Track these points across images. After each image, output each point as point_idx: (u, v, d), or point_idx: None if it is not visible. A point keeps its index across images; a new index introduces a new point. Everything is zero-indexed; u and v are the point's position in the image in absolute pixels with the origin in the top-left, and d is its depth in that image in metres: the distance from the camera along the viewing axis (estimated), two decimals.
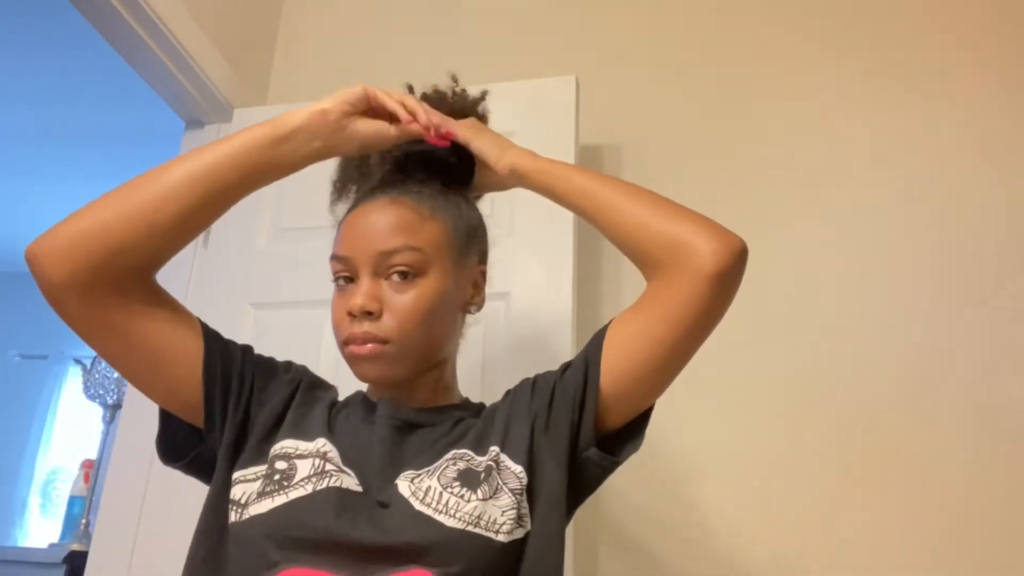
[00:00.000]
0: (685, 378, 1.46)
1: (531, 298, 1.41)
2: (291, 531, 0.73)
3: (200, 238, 1.65)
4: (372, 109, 0.88)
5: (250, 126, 0.84)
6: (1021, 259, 1.48)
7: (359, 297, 0.83)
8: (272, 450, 0.81)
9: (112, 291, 0.77)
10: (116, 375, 2.93)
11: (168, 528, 1.44)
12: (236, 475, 0.80)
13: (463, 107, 1.01)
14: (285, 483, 0.76)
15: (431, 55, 1.89)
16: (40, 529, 3.80)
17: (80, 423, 3.76)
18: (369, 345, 0.82)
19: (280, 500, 0.75)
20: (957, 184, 1.56)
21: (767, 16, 1.78)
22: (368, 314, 0.82)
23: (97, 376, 2.95)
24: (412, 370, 0.86)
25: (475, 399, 0.96)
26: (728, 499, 1.44)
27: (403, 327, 0.83)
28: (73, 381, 3.98)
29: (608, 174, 0.92)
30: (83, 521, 2.71)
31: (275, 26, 2.05)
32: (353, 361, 0.85)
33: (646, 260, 0.83)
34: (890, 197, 1.58)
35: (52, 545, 2.75)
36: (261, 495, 0.76)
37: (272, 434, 0.84)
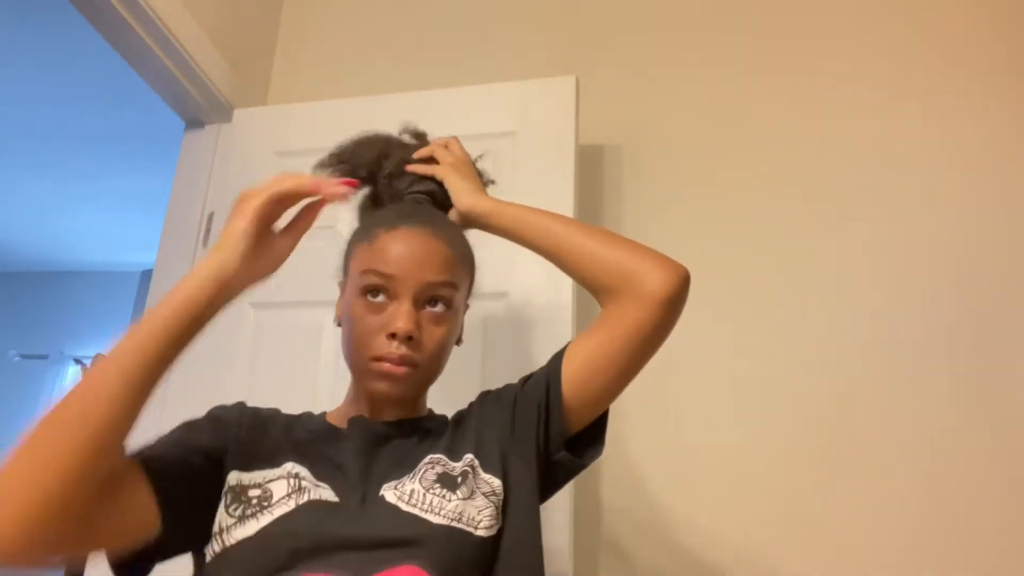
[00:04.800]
0: (688, 379, 1.45)
1: (531, 298, 1.41)
2: (284, 545, 0.75)
3: (200, 238, 1.66)
4: (280, 203, 0.81)
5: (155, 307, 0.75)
6: (1019, 259, 1.49)
7: (405, 321, 0.86)
8: (231, 482, 0.81)
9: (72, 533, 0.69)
10: None
11: None
12: (219, 514, 0.80)
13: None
14: (265, 504, 0.79)
15: (431, 55, 1.90)
16: None
17: None
18: (404, 368, 0.87)
19: (265, 519, 0.77)
20: (958, 184, 1.56)
21: (768, 16, 1.79)
22: (409, 339, 0.87)
23: None
24: (418, 392, 0.93)
25: (474, 398, 0.98)
26: (726, 496, 1.44)
27: (432, 356, 0.90)
28: (73, 381, 3.98)
29: (561, 214, 0.98)
30: None
31: (275, 26, 2.06)
32: (378, 377, 0.88)
33: (601, 288, 0.91)
34: (891, 198, 1.58)
35: None
36: (243, 518, 0.78)
37: (224, 475, 0.82)
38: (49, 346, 4.01)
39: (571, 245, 0.93)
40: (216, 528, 0.79)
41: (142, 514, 0.75)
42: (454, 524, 0.79)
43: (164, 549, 0.77)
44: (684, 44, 1.80)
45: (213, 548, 0.78)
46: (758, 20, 1.78)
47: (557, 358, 0.92)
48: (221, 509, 0.80)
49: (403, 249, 0.89)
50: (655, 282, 0.87)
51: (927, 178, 1.58)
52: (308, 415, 0.96)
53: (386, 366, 0.86)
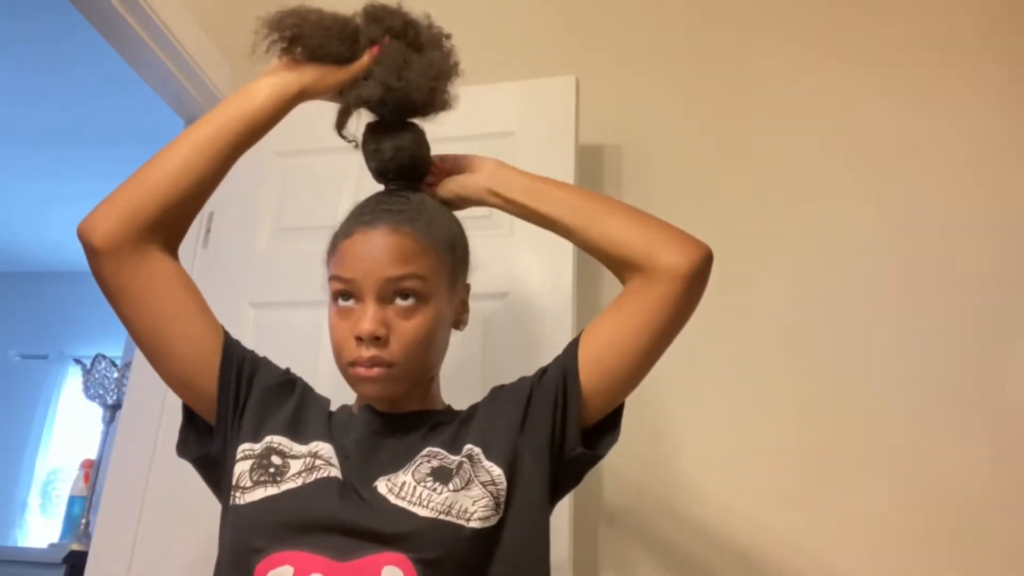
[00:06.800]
0: (693, 373, 1.45)
1: (531, 298, 1.41)
2: (278, 518, 0.81)
3: (200, 238, 1.66)
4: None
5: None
6: (1020, 262, 1.49)
7: (368, 323, 0.86)
8: (267, 439, 0.88)
9: (147, 252, 0.87)
10: (116, 375, 2.93)
11: (168, 528, 1.44)
12: (238, 449, 0.88)
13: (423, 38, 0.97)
14: (278, 478, 0.84)
15: None
16: (40, 529, 3.80)
17: (80, 423, 3.76)
18: (376, 369, 0.87)
19: (272, 491, 0.83)
20: (958, 183, 1.56)
21: (768, 18, 1.78)
22: (376, 339, 0.87)
23: (97, 376, 2.95)
24: (409, 388, 0.92)
25: (475, 398, 0.97)
26: (728, 489, 1.44)
27: (408, 352, 0.88)
28: (73, 381, 3.98)
29: (571, 185, 0.98)
30: (83, 521, 2.71)
31: None
32: (357, 381, 0.89)
33: (624, 264, 0.90)
34: (893, 199, 1.58)
35: (52, 545, 2.74)
36: (256, 484, 0.83)
37: (268, 413, 0.91)
38: (49, 346, 4.01)
39: (599, 220, 0.92)
40: (234, 481, 0.85)
41: (207, 353, 0.89)
42: (441, 517, 0.79)
43: (219, 411, 0.89)
44: (684, 44, 1.80)
45: (230, 499, 0.85)
46: (759, 21, 1.78)
47: (572, 346, 0.91)
48: (246, 464, 0.85)
49: (360, 251, 0.90)
50: (679, 257, 0.86)
51: (927, 176, 1.58)
52: (341, 407, 0.98)
53: (360, 370, 0.87)
